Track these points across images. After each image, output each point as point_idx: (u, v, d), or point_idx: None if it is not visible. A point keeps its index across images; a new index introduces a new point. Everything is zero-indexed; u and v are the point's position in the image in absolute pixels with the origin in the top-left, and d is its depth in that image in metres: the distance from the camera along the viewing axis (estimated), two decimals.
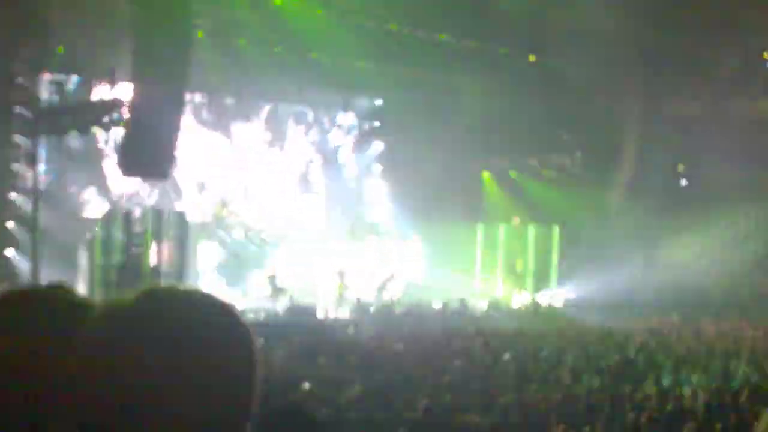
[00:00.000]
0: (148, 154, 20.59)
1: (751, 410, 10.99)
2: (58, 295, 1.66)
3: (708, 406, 11.19)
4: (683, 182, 34.56)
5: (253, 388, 1.31)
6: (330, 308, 24.67)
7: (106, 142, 25.99)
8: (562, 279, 32.31)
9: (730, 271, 30.69)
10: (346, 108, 32.63)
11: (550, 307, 30.00)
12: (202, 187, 29.45)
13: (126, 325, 1.25)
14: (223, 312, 1.32)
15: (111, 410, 1.20)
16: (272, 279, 25.60)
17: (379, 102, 33.39)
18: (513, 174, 34.32)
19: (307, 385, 12.81)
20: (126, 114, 20.92)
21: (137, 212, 23.14)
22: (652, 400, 11.86)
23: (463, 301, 27.42)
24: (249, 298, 25.31)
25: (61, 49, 23.88)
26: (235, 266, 27.11)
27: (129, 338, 1.23)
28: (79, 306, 1.62)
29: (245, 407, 1.30)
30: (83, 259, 23.36)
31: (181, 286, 1.35)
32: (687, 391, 12.47)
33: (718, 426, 10.08)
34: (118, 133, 22.62)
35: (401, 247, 31.85)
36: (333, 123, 33.63)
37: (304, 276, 29.21)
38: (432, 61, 28.95)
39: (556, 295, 31.57)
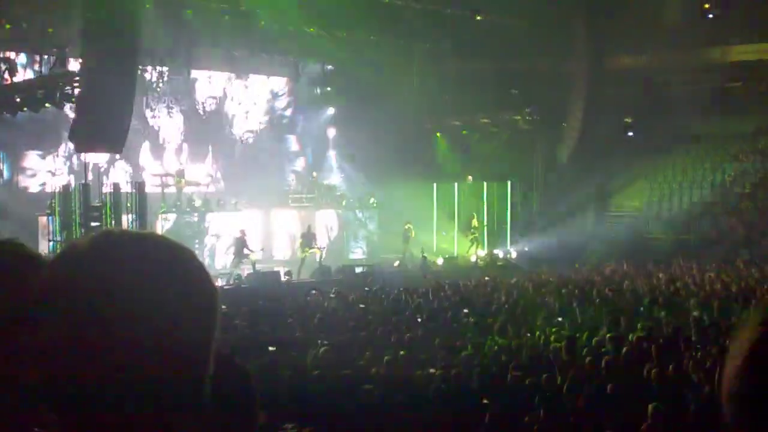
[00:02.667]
0: (100, 128, 20.56)
1: (702, 347, 11.55)
2: (7, 249, 1.66)
3: (659, 348, 11.66)
4: (630, 134, 35.17)
5: (211, 327, 1.28)
6: (292, 271, 24.90)
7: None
8: (517, 233, 32.87)
9: (678, 218, 31.45)
10: (296, 75, 32.64)
11: (506, 261, 30.55)
12: (157, 158, 29.40)
13: (82, 266, 1.21)
14: (178, 252, 1.28)
15: (70, 354, 1.17)
16: (234, 245, 25.70)
17: (329, 67, 33.44)
18: (465, 133, 34.68)
19: (271, 348, 13.09)
20: (77, 89, 20.83)
21: (94, 186, 23.15)
22: (607, 345, 12.31)
23: (422, 259, 27.88)
24: (211, 266, 25.44)
25: (8, 26, 23.60)
26: (195, 235, 27.19)
27: (85, 280, 1.20)
28: (30, 258, 1.63)
29: (205, 347, 1.27)
30: (42, 234, 23.33)
31: (136, 230, 1.42)
32: (641, 333, 12.93)
33: (671, 366, 10.57)
34: (70, 108, 22.54)
35: (358, 209, 32.15)
36: (284, 89, 33.66)
37: (265, 241, 29.47)
38: (381, 25, 29.08)
39: (512, 249, 32.14)
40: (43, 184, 26.84)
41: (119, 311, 1.17)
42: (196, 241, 26.45)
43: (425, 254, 28.36)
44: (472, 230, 31.72)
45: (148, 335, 1.19)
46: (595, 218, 32.94)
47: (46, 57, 23.44)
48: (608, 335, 12.91)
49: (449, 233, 32.59)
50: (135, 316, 1.18)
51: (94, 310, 1.17)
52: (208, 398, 1.28)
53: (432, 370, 10.66)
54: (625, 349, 11.73)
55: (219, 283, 22.44)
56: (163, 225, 25.96)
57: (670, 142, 33.50)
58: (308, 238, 26.91)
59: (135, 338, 1.18)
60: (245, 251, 25.30)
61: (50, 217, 22.85)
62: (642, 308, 16.05)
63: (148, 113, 29.12)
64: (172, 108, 29.85)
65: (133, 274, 1.21)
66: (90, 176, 25.31)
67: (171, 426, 1.22)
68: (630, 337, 12.84)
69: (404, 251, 29.24)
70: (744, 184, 31.89)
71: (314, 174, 32.66)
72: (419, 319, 15.45)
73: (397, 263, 27.99)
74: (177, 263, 1.26)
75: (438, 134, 34.74)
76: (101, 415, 1.18)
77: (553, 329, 13.83)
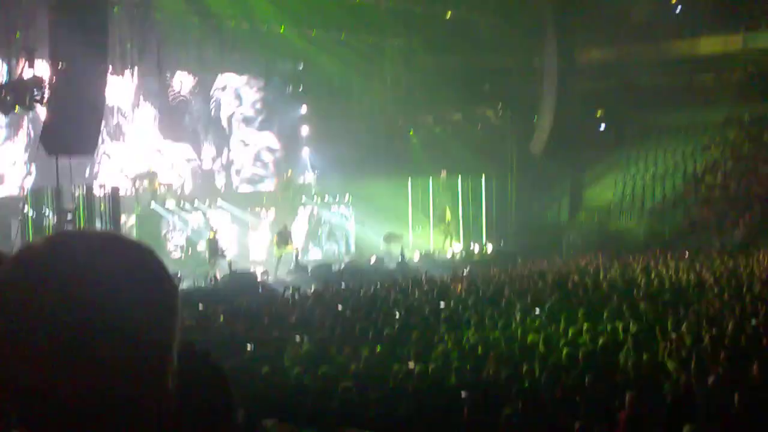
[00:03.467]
0: (71, 131, 20.42)
1: (677, 337, 11.67)
2: None
3: (636, 338, 11.77)
4: (602, 127, 35.42)
5: (172, 326, 1.26)
6: (269, 270, 24.87)
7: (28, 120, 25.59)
8: (492, 226, 33.01)
9: (651, 209, 31.71)
10: (268, 74, 32.57)
11: (482, 255, 30.67)
12: (129, 160, 29.20)
13: (36, 268, 1.19)
14: (137, 250, 1.26)
15: (26, 357, 1.15)
16: (210, 245, 25.61)
17: (300, 66, 33.38)
18: (438, 129, 34.77)
19: (249, 347, 13.08)
20: (47, 92, 20.66)
21: (66, 188, 22.97)
22: (584, 336, 12.42)
23: (399, 255, 27.94)
24: (187, 266, 25.35)
25: None
26: (171, 236, 27.07)
27: (40, 281, 1.17)
28: None
29: (167, 346, 1.25)
30: (15, 237, 23.12)
31: (93, 229, 1.39)
32: (619, 324, 13.05)
33: (646, 356, 10.68)
34: (40, 111, 22.36)
35: (333, 206, 32.18)
36: (256, 89, 33.56)
37: (241, 240, 29.41)
38: (351, 23, 29.09)
39: (487, 243, 32.27)
40: (15, 186, 26.55)
41: (75, 311, 1.15)
42: (169, 242, 26.29)
43: (403, 250, 28.43)
44: (446, 223, 31.81)
45: (107, 333, 1.17)
46: (569, 211, 33.15)
47: (14, 59, 23.18)
48: (584, 326, 13.02)
49: (425, 228, 32.68)
50: (92, 316, 1.17)
51: (48, 309, 1.15)
52: (173, 394, 1.28)
53: (410, 365, 10.69)
54: (601, 340, 11.84)
55: (194, 284, 22.39)
56: (135, 226, 25.81)
57: (641, 135, 33.79)
58: (284, 237, 26.85)
59: (93, 337, 1.16)
60: (218, 252, 25.23)
61: (22, 221, 22.65)
62: (618, 299, 16.15)
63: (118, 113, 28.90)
64: (138, 107, 29.64)
65: (90, 273, 1.19)
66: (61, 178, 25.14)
67: (134, 423, 1.21)
68: (607, 328, 12.96)
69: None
70: (715, 174, 32.21)
71: (289, 172, 32.59)
72: (397, 315, 15.48)
73: (373, 259, 28.01)
74: (135, 261, 1.25)
75: (411, 131, 34.79)
76: (60, 415, 1.17)
77: (531, 322, 13.90)
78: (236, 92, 32.75)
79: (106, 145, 27.70)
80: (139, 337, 1.20)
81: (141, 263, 1.26)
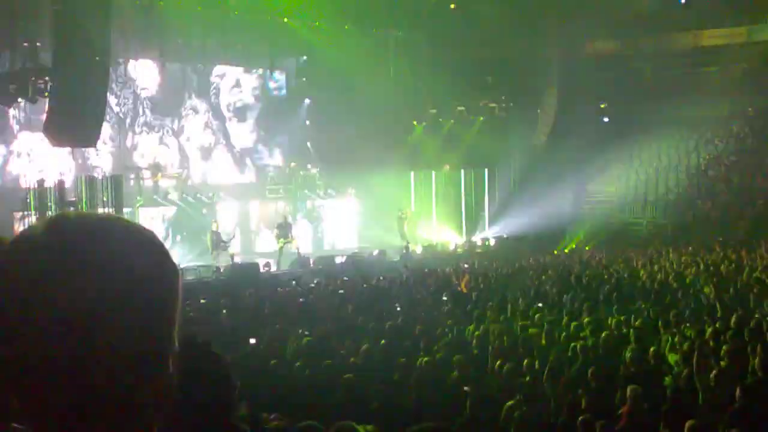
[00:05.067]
0: (74, 122, 20.40)
1: (679, 330, 11.67)
2: None
3: (638, 331, 11.77)
4: (605, 119, 35.34)
5: (174, 307, 1.25)
6: (271, 263, 24.86)
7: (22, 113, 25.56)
8: (495, 219, 32.99)
9: (654, 203, 31.67)
10: (272, 66, 32.52)
11: (485, 248, 30.66)
12: (132, 151, 29.20)
13: (36, 252, 1.18)
14: (138, 231, 1.25)
15: (26, 343, 1.14)
16: (212, 237, 25.59)
17: (304, 58, 33.33)
18: (442, 121, 34.73)
19: (253, 340, 13.11)
20: (50, 83, 20.64)
21: (69, 181, 22.97)
22: (586, 330, 12.41)
23: (403, 247, 27.95)
24: (191, 258, 25.37)
25: None
26: (174, 228, 27.08)
27: (39, 266, 1.16)
28: None
29: (168, 326, 1.24)
30: (18, 229, 23.10)
31: (94, 212, 1.37)
32: (621, 318, 13.04)
33: (652, 349, 10.68)
34: (43, 102, 22.32)
35: (336, 199, 32.17)
36: (260, 81, 33.53)
37: (244, 232, 29.42)
38: (355, 15, 29.01)
39: (490, 235, 32.26)
40: (17, 179, 26.56)
41: (75, 290, 1.14)
42: (172, 233, 26.30)
43: (408, 243, 28.45)
44: (450, 217, 31.83)
45: (108, 312, 1.15)
46: (573, 204, 33.12)
47: (16, 51, 23.12)
48: (586, 320, 13.02)
49: (428, 221, 32.67)
50: (92, 295, 1.15)
51: (47, 289, 1.14)
52: (174, 382, 1.26)
53: (413, 359, 10.70)
54: (604, 334, 11.84)
55: (197, 276, 22.38)
56: (137, 216, 25.79)
57: (645, 127, 33.71)
58: (284, 229, 26.84)
59: (93, 316, 1.15)
60: (221, 244, 25.23)
61: (24, 213, 22.64)
62: (620, 293, 16.14)
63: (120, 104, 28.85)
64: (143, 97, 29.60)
65: (90, 253, 1.18)
66: (64, 170, 25.14)
67: (135, 409, 1.20)
68: (609, 322, 12.95)
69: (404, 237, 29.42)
70: (719, 167, 32.15)
71: (292, 164, 32.55)
72: (398, 308, 15.47)
73: (376, 252, 27.98)
74: (136, 241, 1.23)
75: (414, 122, 34.75)
76: (60, 399, 1.16)
77: (534, 315, 13.90)
78: (238, 82, 32.71)
79: (108, 136, 27.65)
80: (140, 316, 1.18)
81: (142, 243, 1.24)
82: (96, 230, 1.22)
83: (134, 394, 1.19)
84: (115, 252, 1.19)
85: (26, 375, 1.16)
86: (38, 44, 21.82)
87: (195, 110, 31.50)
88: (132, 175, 27.57)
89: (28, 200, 22.39)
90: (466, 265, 23.74)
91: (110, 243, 1.20)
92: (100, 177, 22.99)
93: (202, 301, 17.05)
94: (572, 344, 10.99)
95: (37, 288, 1.15)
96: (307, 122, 34.21)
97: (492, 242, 31.62)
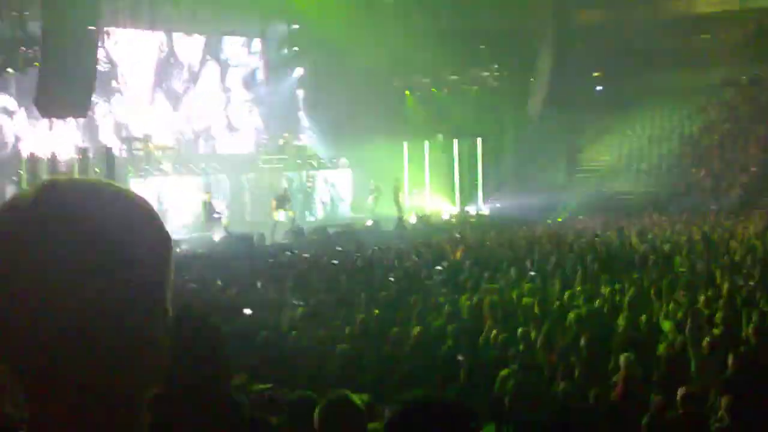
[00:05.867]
0: (65, 92, 20.32)
1: (673, 298, 11.70)
2: None
3: (631, 300, 11.80)
4: (599, 89, 35.24)
5: (166, 278, 1.23)
6: (266, 233, 24.83)
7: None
8: (489, 190, 32.97)
9: (647, 171, 31.70)
10: (263, 35, 32.32)
11: (478, 218, 30.65)
12: (123, 122, 29.05)
13: (25, 213, 1.15)
14: (128, 196, 1.22)
15: (15, 305, 1.12)
16: (206, 207, 25.51)
17: (295, 27, 33.10)
18: (434, 90, 34.60)
19: (248, 311, 13.13)
20: (39, 53, 20.50)
21: (61, 153, 22.87)
22: (579, 299, 12.45)
23: (396, 218, 27.94)
24: (184, 229, 25.32)
25: None
26: (166, 199, 27.02)
27: (28, 224, 1.14)
28: None
29: (160, 299, 1.22)
30: None
31: (85, 178, 1.33)
32: (615, 287, 13.07)
33: (644, 317, 10.72)
34: (32, 73, 22.16)
35: (329, 169, 32.10)
36: (251, 50, 33.34)
37: (238, 202, 29.35)
38: None
39: (484, 206, 32.26)
40: (7, 149, 26.38)
41: (64, 253, 1.12)
42: (164, 205, 26.25)
43: (401, 213, 28.42)
44: (443, 188, 31.81)
45: (98, 276, 1.13)
46: (566, 174, 33.10)
47: (4, 21, 22.91)
48: (579, 288, 13.06)
49: (420, 191, 32.65)
50: (82, 257, 1.13)
51: (36, 253, 1.12)
52: (167, 346, 1.23)
53: (406, 329, 10.73)
54: (597, 302, 11.88)
55: (189, 247, 22.35)
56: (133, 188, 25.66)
57: (638, 96, 33.62)
58: (282, 201, 26.80)
59: (84, 280, 1.13)
60: (214, 215, 25.18)
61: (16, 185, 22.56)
62: (613, 261, 16.17)
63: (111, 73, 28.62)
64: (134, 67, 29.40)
65: (80, 215, 1.15)
66: (55, 142, 24.99)
67: (129, 377, 1.18)
68: (602, 290, 12.99)
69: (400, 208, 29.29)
70: (712, 136, 32.15)
71: (285, 135, 32.43)
72: (392, 279, 15.49)
73: (370, 222, 27.98)
74: (127, 205, 1.20)
75: (407, 92, 34.61)
76: (59, 370, 1.13)
77: (527, 284, 13.92)
78: (230, 51, 32.52)
79: (99, 106, 27.48)
80: (132, 284, 1.16)
81: (134, 210, 1.21)
82: (86, 191, 1.19)
83: (128, 363, 1.17)
84: (106, 218, 1.17)
85: (13, 350, 1.14)
86: (26, 13, 21.61)
87: (188, 80, 31.34)
88: (124, 146, 27.44)
89: (21, 172, 22.34)
90: (459, 236, 23.72)
91: (101, 209, 1.17)
92: (91, 151, 22.86)
93: (196, 272, 17.02)
94: (566, 313, 11.02)
95: (25, 248, 1.12)
96: (300, 92, 34.07)
97: (485, 212, 31.62)
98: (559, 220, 28.48)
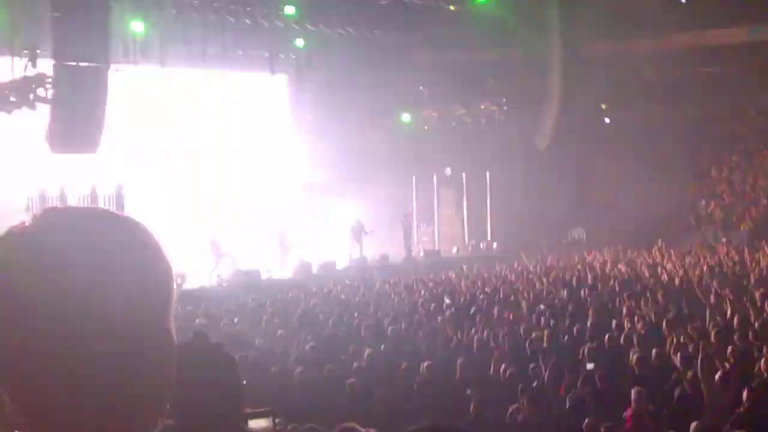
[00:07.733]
0: (75, 128, 20.45)
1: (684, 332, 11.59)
2: None
3: (642, 334, 11.70)
4: (607, 120, 35.24)
5: (167, 305, 1.21)
6: (274, 269, 24.78)
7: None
8: (497, 222, 32.90)
9: (657, 203, 31.59)
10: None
11: (487, 251, 30.59)
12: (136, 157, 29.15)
13: (24, 243, 1.15)
14: (128, 223, 1.22)
15: (17, 336, 1.11)
16: (214, 244, 25.51)
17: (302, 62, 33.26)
18: (443, 124, 34.66)
19: (257, 341, 13.14)
20: (50, 91, 20.67)
21: (69, 192, 22.94)
22: (590, 332, 12.35)
23: (406, 252, 27.91)
24: (193, 265, 25.30)
25: None
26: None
27: (27, 254, 1.13)
28: None
29: (161, 323, 1.20)
30: None
31: (81, 206, 1.34)
32: (625, 320, 12.96)
33: (653, 352, 10.62)
34: (43, 110, 22.30)
35: (337, 204, 32.09)
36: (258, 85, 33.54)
37: (246, 238, 29.33)
38: (352, 18, 29.00)
39: (492, 239, 32.18)
40: (14, 190, 26.39)
41: (64, 284, 1.11)
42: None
43: (410, 248, 28.38)
44: (451, 221, 31.78)
45: (98, 305, 1.12)
46: (575, 206, 33.01)
47: (17, 58, 23.10)
48: (590, 322, 12.97)
49: (430, 225, 32.62)
50: (82, 286, 1.12)
51: (36, 282, 1.11)
52: (174, 373, 1.21)
53: (415, 363, 10.67)
54: (607, 336, 11.78)
55: (200, 284, 22.33)
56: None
57: (646, 128, 33.60)
58: (287, 236, 26.80)
59: (84, 309, 1.12)
60: (222, 252, 25.16)
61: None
62: (623, 295, 16.07)
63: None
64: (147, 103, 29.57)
65: (79, 244, 1.14)
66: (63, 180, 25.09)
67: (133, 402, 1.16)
68: (612, 324, 12.89)
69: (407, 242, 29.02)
70: (720, 168, 32.09)
71: (291, 168, 32.46)
72: (401, 312, 15.41)
73: (378, 257, 27.76)
74: (127, 232, 1.20)
75: (415, 125, 34.67)
76: (53, 397, 1.12)
77: (537, 318, 13.84)
78: (239, 89, 32.69)
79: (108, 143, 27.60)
80: (132, 311, 1.15)
81: (133, 234, 1.20)
82: (85, 220, 1.20)
83: (129, 389, 1.15)
84: (105, 239, 1.17)
85: (15, 373, 1.13)
86: (38, 51, 21.78)
87: (193, 117, 31.50)
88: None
89: (30, 208, 22.36)
90: (466, 268, 23.66)
91: (100, 231, 1.17)
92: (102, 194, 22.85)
93: (203, 308, 17.00)
94: (577, 347, 10.95)
95: (24, 278, 1.12)
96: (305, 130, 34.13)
97: (494, 245, 31.54)
98: (570, 252, 28.34)
